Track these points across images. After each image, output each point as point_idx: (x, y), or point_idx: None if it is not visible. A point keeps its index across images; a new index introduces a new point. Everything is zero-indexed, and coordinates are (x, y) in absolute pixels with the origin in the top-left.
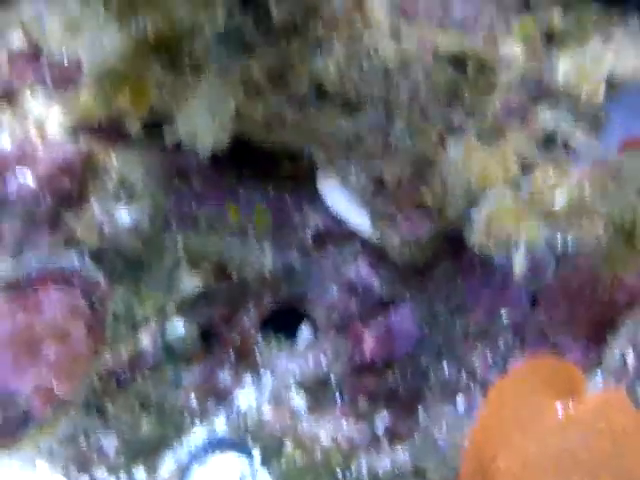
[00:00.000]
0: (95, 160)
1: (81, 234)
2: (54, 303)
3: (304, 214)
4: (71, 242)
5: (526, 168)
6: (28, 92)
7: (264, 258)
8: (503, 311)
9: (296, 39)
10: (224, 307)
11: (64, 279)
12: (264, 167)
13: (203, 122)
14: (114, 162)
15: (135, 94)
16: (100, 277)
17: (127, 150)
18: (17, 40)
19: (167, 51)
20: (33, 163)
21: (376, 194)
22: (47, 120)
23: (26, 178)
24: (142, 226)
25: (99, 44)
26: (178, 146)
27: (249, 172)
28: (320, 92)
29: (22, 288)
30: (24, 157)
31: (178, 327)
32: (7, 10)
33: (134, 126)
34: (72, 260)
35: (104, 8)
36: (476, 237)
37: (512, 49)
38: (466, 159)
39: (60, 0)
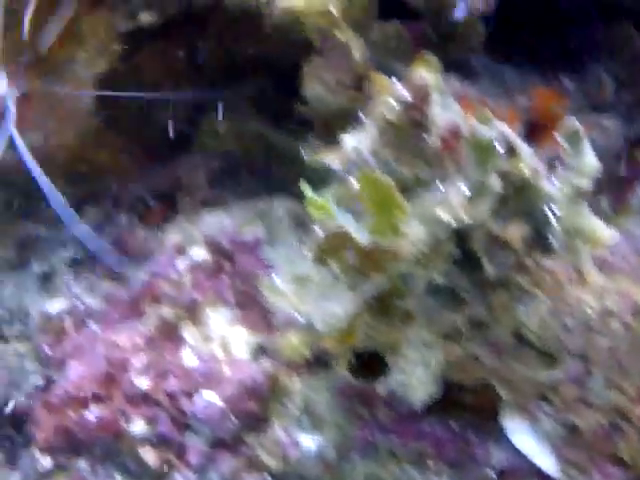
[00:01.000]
0: (279, 383)
1: (265, 458)
2: None
3: (487, 450)
4: (254, 465)
5: None
6: (211, 308)
7: None
8: None
9: (503, 291)
10: None
11: None
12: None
13: (416, 374)
14: (298, 386)
15: (344, 337)
16: None
17: (312, 375)
18: (199, 254)
19: (379, 302)
20: (219, 382)
21: (567, 441)
22: (231, 338)
23: (212, 397)
24: (327, 453)
25: (328, 305)
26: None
27: (435, 406)
28: (520, 340)
29: None
30: (210, 375)
31: None
32: (191, 223)
33: (341, 366)
34: None
35: (339, 271)
36: None
37: None
38: None
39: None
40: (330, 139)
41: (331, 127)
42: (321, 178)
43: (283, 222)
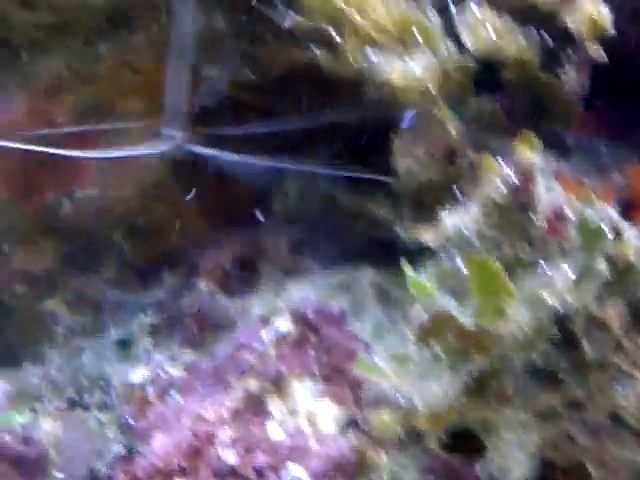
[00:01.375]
0: (367, 458)
1: None
2: None
3: None
4: None
5: None
6: (297, 381)
7: None
8: None
9: (601, 372)
10: None
11: None
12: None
13: (512, 454)
14: (386, 462)
15: (438, 416)
16: None
17: (401, 451)
18: (284, 326)
19: (476, 382)
20: (306, 456)
21: None
22: (318, 412)
23: (299, 472)
24: None
25: (428, 385)
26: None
27: None
28: (616, 421)
29: None
30: (297, 449)
31: None
32: (274, 293)
33: (433, 443)
34: None
35: (440, 352)
36: None
37: None
38: None
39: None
40: (420, 212)
41: (421, 200)
42: (408, 251)
43: (367, 293)
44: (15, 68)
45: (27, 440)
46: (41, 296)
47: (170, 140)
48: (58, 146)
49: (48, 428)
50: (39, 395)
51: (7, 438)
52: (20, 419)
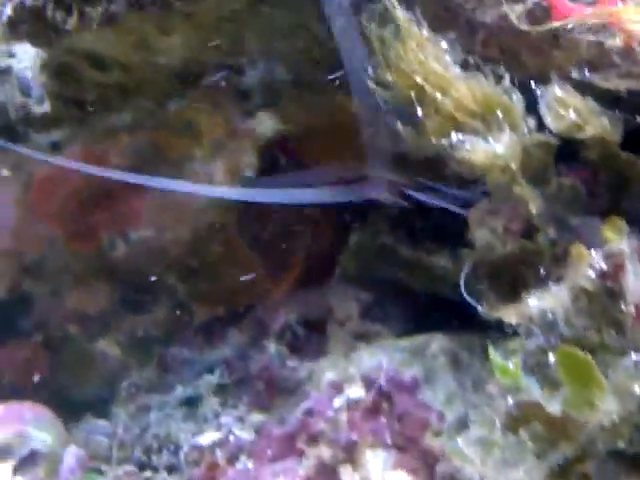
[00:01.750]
0: None
1: None
2: None
3: None
4: None
5: None
6: (369, 450)
7: None
8: None
9: None
10: None
11: None
12: None
13: None
14: None
15: None
16: None
17: None
18: (356, 393)
19: (559, 467)
20: None
21: None
22: None
23: None
24: None
25: (513, 472)
26: None
27: None
28: None
29: None
30: None
31: None
32: (345, 358)
33: None
34: None
35: (527, 439)
36: None
37: None
38: None
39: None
40: (496, 286)
41: (499, 274)
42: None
43: (439, 361)
44: (87, 124)
45: None
46: (94, 336)
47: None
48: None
49: None
50: (108, 457)
51: None
52: None
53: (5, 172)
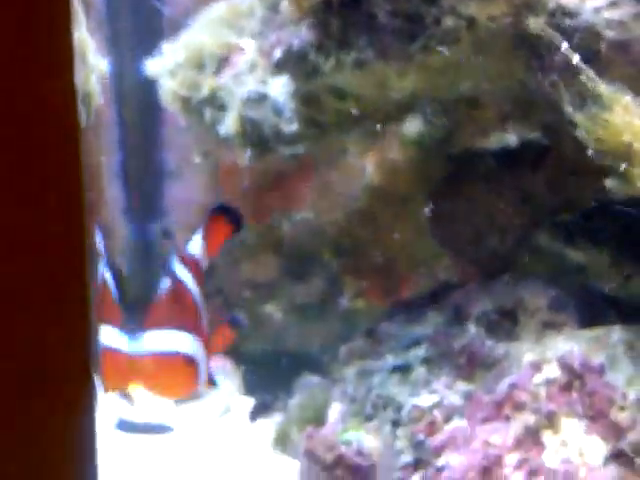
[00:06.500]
0: None
1: None
2: None
3: None
4: None
5: None
6: (565, 419)
7: None
8: None
9: None
10: None
11: None
12: None
13: None
14: None
15: None
16: None
17: None
18: (552, 372)
19: None
20: None
21: None
22: (585, 446)
23: None
24: None
25: None
26: None
27: None
28: None
29: None
30: (570, 476)
31: None
32: (539, 343)
33: None
34: None
35: None
36: None
37: None
38: None
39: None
40: None
41: None
42: None
43: (618, 349)
44: (321, 142)
45: (360, 452)
46: (262, 301)
47: None
48: None
49: (370, 441)
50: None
51: (345, 450)
52: (351, 435)
53: (197, 159)
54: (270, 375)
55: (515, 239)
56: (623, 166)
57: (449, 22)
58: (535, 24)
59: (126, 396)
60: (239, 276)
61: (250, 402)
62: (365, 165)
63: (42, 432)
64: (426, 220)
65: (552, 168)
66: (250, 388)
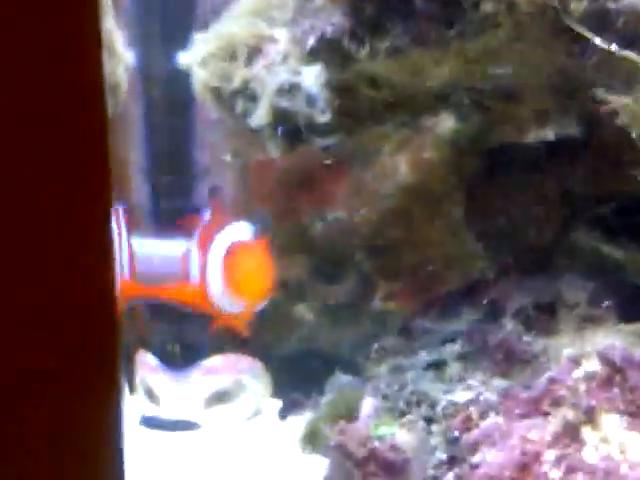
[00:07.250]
0: None
1: None
2: None
3: None
4: None
5: None
6: (605, 415)
7: None
8: None
9: None
10: None
11: None
12: None
13: None
14: None
15: None
16: None
17: None
18: (591, 367)
19: None
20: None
21: None
22: (626, 442)
23: None
24: None
25: None
26: None
27: None
28: None
29: None
30: (610, 472)
31: None
32: (579, 337)
33: None
34: None
35: None
36: None
37: None
38: None
39: None
40: None
41: None
42: None
43: None
44: (355, 133)
45: (394, 447)
46: (293, 301)
47: None
48: None
49: (404, 437)
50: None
51: (378, 445)
52: (385, 430)
53: (228, 158)
54: (301, 376)
55: (553, 235)
56: None
57: (488, 6)
58: (577, 6)
59: (151, 395)
60: None
61: (280, 403)
62: (399, 164)
63: (70, 428)
64: (461, 218)
65: (591, 162)
66: (281, 390)
